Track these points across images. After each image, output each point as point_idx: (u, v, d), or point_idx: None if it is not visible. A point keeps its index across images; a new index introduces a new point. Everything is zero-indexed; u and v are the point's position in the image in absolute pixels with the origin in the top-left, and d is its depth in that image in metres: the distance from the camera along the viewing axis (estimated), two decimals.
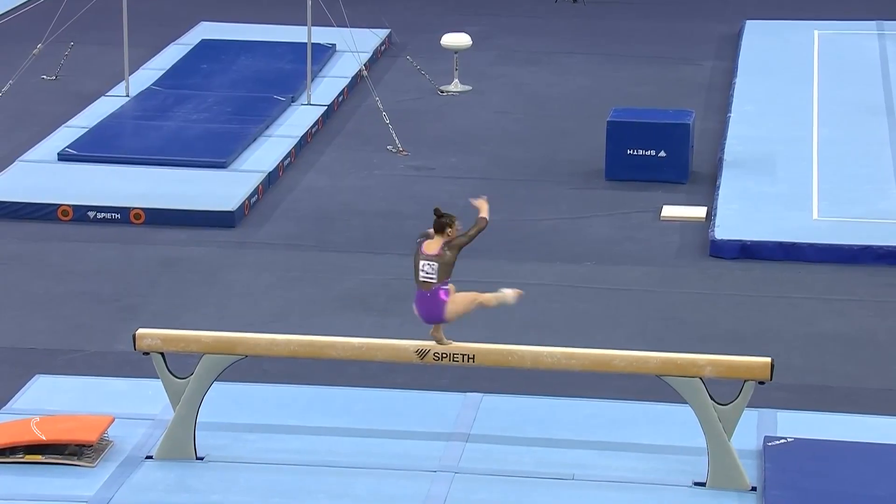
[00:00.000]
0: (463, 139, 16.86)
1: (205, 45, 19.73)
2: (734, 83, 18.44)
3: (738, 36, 20.57)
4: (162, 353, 9.65)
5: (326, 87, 18.16)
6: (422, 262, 9.24)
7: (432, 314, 9.28)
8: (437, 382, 10.94)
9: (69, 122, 16.80)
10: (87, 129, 16.44)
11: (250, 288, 12.92)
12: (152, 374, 9.82)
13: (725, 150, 16.07)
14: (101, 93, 17.86)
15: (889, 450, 9.86)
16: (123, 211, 14.35)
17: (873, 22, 20.97)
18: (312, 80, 17.90)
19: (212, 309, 12.42)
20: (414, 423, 10.30)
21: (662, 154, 15.46)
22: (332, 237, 14.11)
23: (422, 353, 9.45)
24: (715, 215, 14.27)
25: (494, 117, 17.63)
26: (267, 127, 16.67)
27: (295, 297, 12.73)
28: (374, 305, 12.50)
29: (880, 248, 13.53)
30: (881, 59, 19.42)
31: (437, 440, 10.06)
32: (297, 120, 17.05)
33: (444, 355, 9.42)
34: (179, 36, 20.30)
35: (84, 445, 9.70)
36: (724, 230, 13.87)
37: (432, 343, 9.43)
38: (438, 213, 9.33)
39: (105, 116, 16.90)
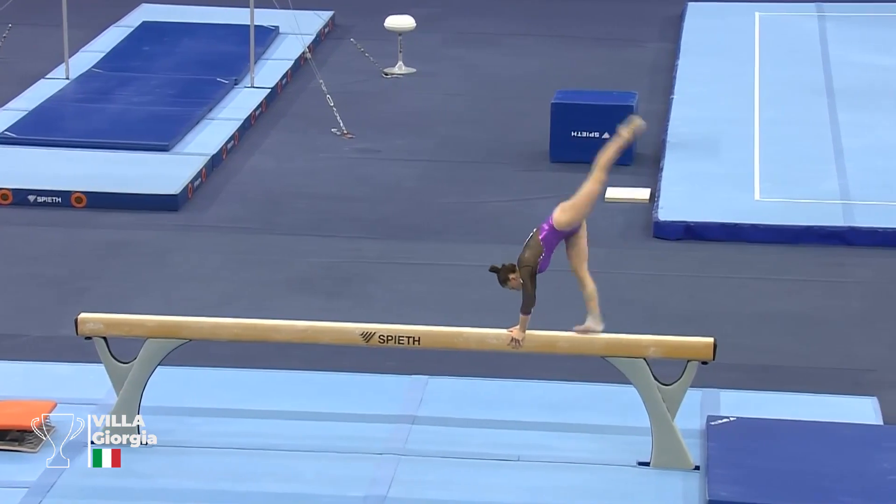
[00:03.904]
0: (410, 121, 16.82)
1: (146, 27, 19.56)
2: (677, 65, 18.50)
3: (681, 17, 20.63)
4: (105, 338, 9.58)
5: (270, 70, 18.06)
6: None
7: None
8: (384, 365, 10.92)
9: (8, 105, 16.61)
10: (26, 112, 16.27)
11: (197, 271, 12.84)
12: (97, 359, 9.75)
13: (669, 131, 16.12)
14: (40, 75, 17.66)
15: (832, 427, 9.94)
16: (64, 195, 14.21)
17: (813, 4, 21.09)
18: (256, 62, 17.79)
19: (159, 292, 12.35)
20: (360, 406, 10.28)
21: (606, 136, 15.43)
22: (278, 220, 14.05)
23: (367, 336, 9.43)
24: (659, 197, 14.32)
25: (443, 99, 17.60)
26: (210, 110, 16.56)
27: (242, 280, 12.67)
28: (322, 288, 12.46)
29: (822, 228, 13.63)
30: (821, 41, 19.53)
31: (384, 422, 10.05)
32: (241, 102, 16.94)
33: (390, 338, 9.41)
34: (120, 17, 20.11)
35: (26, 431, 9.61)
36: (668, 211, 13.93)
37: (377, 326, 9.41)
38: (492, 269, 9.37)
39: (45, 99, 16.72)
